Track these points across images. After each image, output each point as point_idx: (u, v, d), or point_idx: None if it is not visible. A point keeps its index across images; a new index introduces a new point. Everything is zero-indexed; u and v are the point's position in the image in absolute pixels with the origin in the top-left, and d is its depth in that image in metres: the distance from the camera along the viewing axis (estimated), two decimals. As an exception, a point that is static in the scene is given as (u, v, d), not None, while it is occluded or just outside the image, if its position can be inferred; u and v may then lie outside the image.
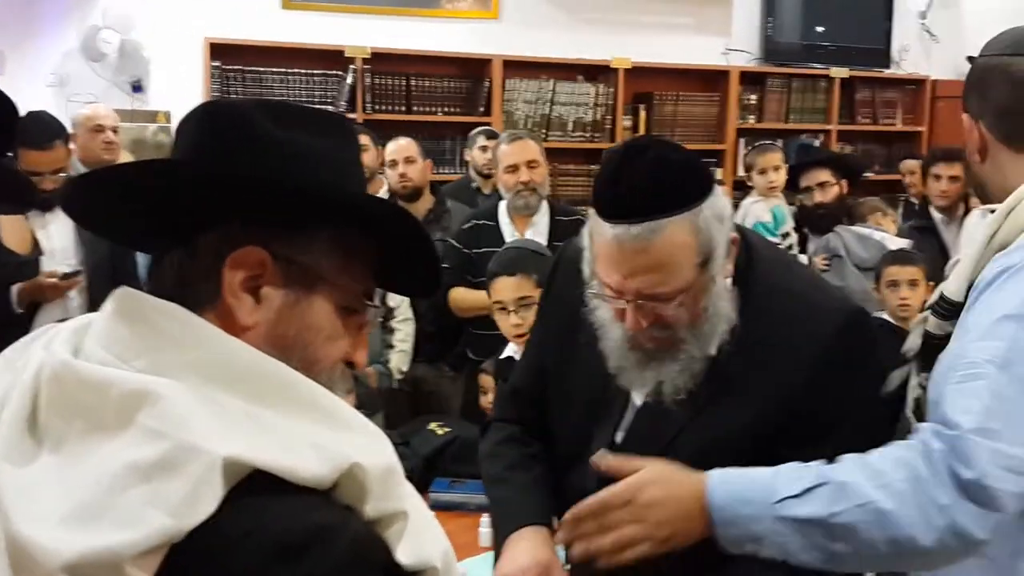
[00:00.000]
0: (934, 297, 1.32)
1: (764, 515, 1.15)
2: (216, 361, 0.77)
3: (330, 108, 4.87)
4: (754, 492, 1.17)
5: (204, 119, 0.85)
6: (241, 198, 0.81)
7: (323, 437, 0.76)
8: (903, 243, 3.78)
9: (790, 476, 1.17)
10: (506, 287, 2.57)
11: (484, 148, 4.20)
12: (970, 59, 1.33)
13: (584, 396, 1.48)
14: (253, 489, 0.71)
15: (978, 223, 1.28)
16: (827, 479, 1.14)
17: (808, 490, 1.14)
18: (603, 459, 1.29)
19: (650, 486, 1.21)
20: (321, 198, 0.83)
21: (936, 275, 3.21)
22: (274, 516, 0.71)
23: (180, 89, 4.57)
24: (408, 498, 0.82)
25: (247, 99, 0.96)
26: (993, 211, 1.26)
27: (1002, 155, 1.26)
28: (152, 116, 4.68)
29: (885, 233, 3.91)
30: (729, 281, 1.32)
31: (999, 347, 1.09)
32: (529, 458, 1.59)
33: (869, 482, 1.11)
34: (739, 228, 1.38)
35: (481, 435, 1.74)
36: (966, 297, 1.22)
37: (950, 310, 1.24)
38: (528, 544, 1.43)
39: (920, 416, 1.29)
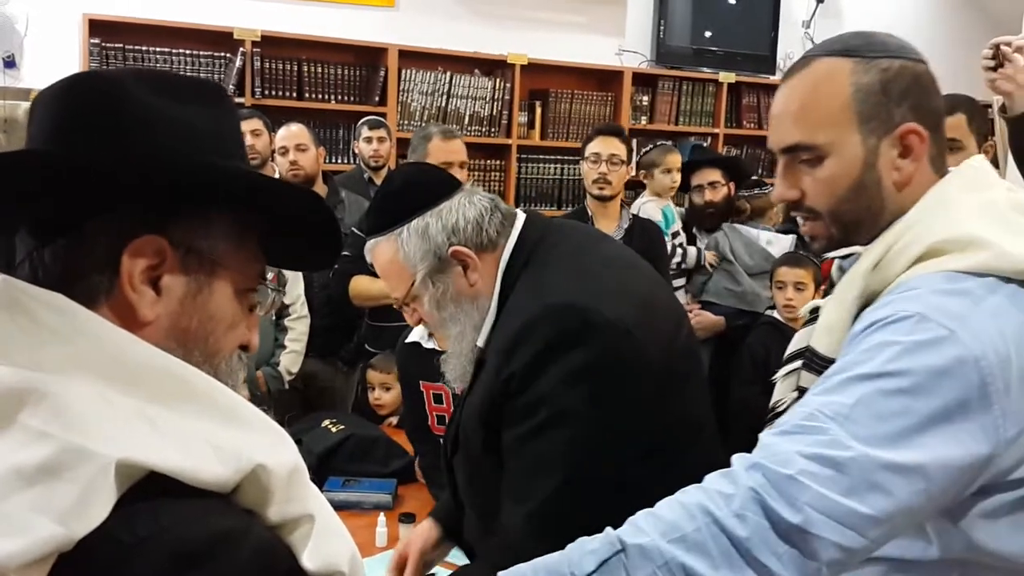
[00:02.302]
0: (795, 346, 1.28)
1: None
2: (106, 356, 0.71)
3: (218, 92, 4.71)
4: None
5: (68, 96, 0.78)
6: (115, 186, 0.75)
7: (223, 437, 0.72)
8: (787, 245, 3.93)
9: (581, 552, 1.05)
10: None
11: (369, 139, 4.09)
12: None
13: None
14: (149, 493, 0.67)
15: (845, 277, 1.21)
16: (622, 544, 1.03)
17: (604, 563, 1.03)
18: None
19: None
20: (210, 179, 0.79)
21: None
22: (172, 522, 0.66)
23: (56, 67, 4.32)
24: (313, 499, 0.78)
25: (120, 70, 0.86)
26: (846, 257, 1.22)
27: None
28: (25, 94, 4.42)
29: (773, 235, 4.05)
30: (487, 281, 1.52)
31: (844, 404, 1.02)
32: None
33: (664, 538, 1.01)
34: (549, 223, 1.59)
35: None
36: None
37: (823, 366, 1.18)
38: (416, 530, 1.80)
39: None
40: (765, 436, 1.06)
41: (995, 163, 2.88)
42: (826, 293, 1.30)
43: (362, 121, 4.24)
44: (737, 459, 1.06)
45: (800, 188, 1.21)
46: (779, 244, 3.97)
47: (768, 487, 1.00)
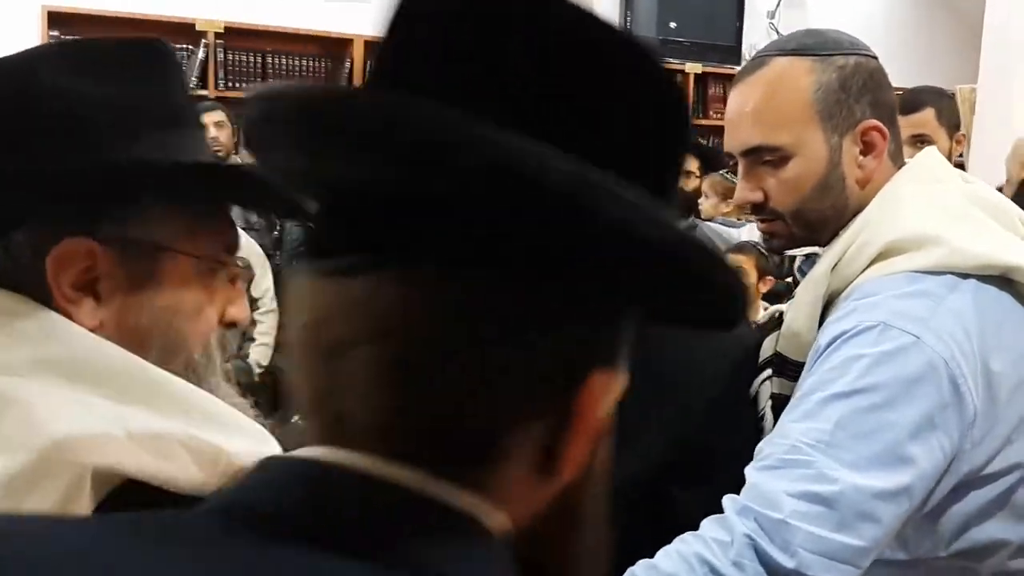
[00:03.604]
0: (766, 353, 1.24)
1: None
2: (77, 359, 0.68)
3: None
4: None
5: None
6: (25, 195, 0.70)
7: (201, 439, 0.69)
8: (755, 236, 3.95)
9: None
10: None
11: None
12: None
13: None
14: (127, 500, 0.65)
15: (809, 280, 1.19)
16: None
17: None
18: None
19: None
20: (128, 175, 0.74)
21: (772, 269, 3.36)
22: None
23: (13, 58, 4.22)
24: None
25: (38, 49, 0.79)
26: (811, 255, 1.20)
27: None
28: (-20, 86, 4.33)
29: (743, 228, 4.06)
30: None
31: (824, 430, 1.01)
32: None
33: None
34: None
35: None
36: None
37: (794, 371, 1.18)
38: None
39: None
40: (752, 473, 1.04)
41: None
42: (786, 294, 1.28)
43: None
44: (728, 502, 1.04)
45: (763, 190, 1.18)
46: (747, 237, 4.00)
47: (761, 532, 0.99)
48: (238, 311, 0.82)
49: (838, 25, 1.32)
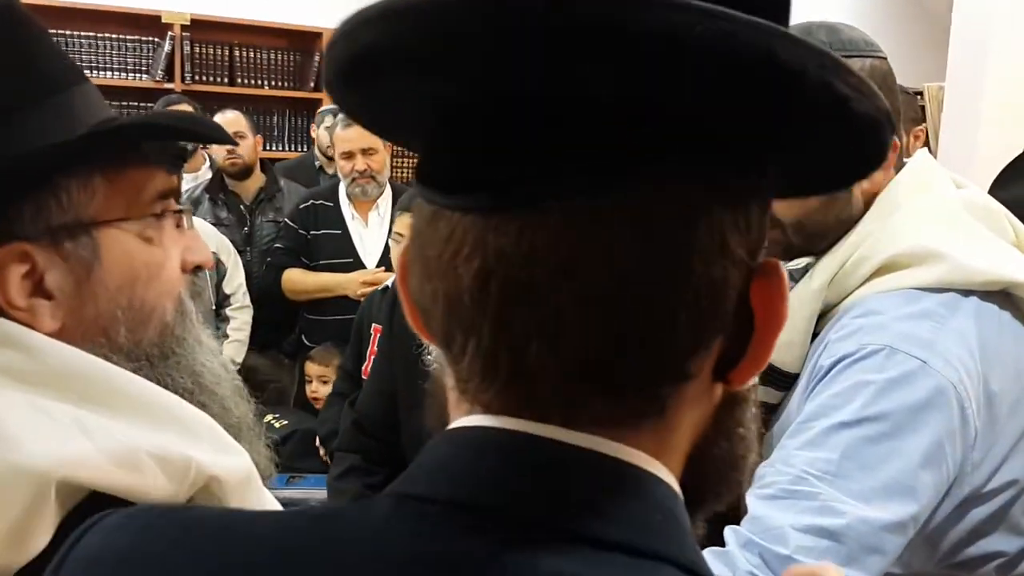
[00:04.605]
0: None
1: None
2: (38, 365, 0.65)
3: (144, 77, 4.57)
4: None
5: None
6: None
7: (170, 448, 0.66)
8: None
9: None
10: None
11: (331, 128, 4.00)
12: None
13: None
14: (93, 513, 0.61)
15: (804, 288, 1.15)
16: None
17: None
18: None
19: None
20: (23, 170, 0.68)
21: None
22: None
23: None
24: (269, 505, 0.75)
25: None
26: (806, 265, 1.17)
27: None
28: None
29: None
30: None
31: (831, 460, 0.98)
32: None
33: None
34: None
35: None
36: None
37: (784, 381, 1.15)
38: None
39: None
40: (753, 502, 1.01)
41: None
42: None
43: (327, 108, 4.09)
44: (731, 535, 1.01)
45: None
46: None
47: (765, 568, 0.96)
48: (198, 253, 0.78)
49: (807, 21, 1.26)
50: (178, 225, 0.76)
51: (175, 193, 0.76)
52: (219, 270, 3.17)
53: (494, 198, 0.41)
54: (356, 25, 0.43)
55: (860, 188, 1.13)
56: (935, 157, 2.88)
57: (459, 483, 0.43)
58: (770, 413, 1.18)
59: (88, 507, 0.62)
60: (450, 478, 0.43)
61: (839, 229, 1.13)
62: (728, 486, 0.51)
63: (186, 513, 0.49)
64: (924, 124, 3.09)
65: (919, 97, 4.47)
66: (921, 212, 1.12)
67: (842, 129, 0.42)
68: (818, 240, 1.14)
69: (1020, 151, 2.56)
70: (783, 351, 1.15)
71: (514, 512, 0.41)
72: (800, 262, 1.18)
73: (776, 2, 0.43)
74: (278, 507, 0.76)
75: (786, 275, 0.45)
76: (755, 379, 0.48)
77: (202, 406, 0.73)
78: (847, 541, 0.96)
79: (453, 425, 0.45)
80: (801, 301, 1.13)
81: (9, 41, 0.71)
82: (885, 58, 1.15)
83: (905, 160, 1.19)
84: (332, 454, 2.32)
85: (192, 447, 0.68)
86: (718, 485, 0.50)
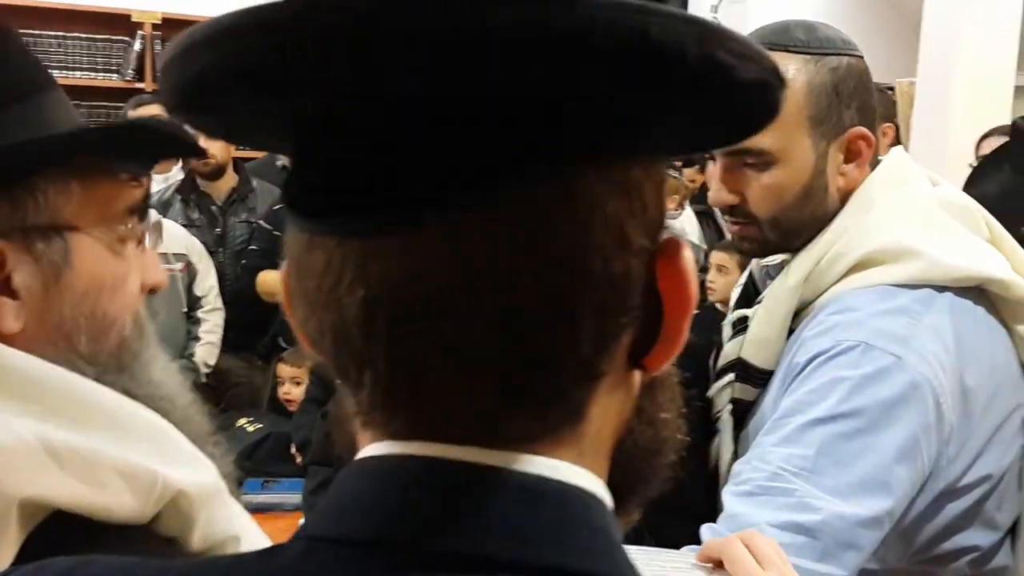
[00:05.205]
0: (726, 359, 1.20)
1: None
2: None
3: (115, 76, 4.52)
4: None
5: None
6: None
7: (135, 463, 0.65)
8: (694, 233, 3.99)
9: None
10: None
11: None
12: None
13: None
14: (58, 534, 0.60)
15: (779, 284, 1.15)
16: None
17: None
18: None
19: None
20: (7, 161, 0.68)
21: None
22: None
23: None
24: (237, 518, 0.73)
25: None
26: (782, 262, 1.16)
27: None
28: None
29: (679, 217, 4.10)
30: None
31: (806, 456, 0.98)
32: None
33: None
34: None
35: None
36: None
37: (760, 378, 1.15)
38: None
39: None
40: (729, 499, 1.01)
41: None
42: (753, 298, 1.23)
43: None
44: (707, 532, 1.00)
45: (741, 192, 1.12)
46: (693, 231, 4.02)
47: None
48: (155, 275, 0.77)
49: (779, 18, 1.25)
50: (139, 243, 0.76)
51: (142, 211, 0.76)
52: (190, 272, 3.13)
53: (368, 220, 0.38)
54: (188, 47, 0.39)
55: (836, 185, 1.12)
56: (908, 151, 2.91)
57: (370, 518, 0.40)
58: (746, 410, 1.18)
59: (53, 526, 0.61)
60: (362, 513, 0.41)
61: (815, 226, 1.12)
62: (655, 471, 0.49)
63: (100, 565, 0.47)
64: (895, 120, 3.11)
65: (891, 92, 4.51)
66: (896, 209, 1.12)
67: (731, 95, 0.41)
68: (794, 237, 1.13)
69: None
70: (758, 348, 1.15)
71: (429, 544, 0.39)
72: (776, 258, 1.17)
73: None
74: (247, 519, 0.75)
75: (689, 249, 0.43)
76: (672, 361, 0.45)
77: None
78: (823, 537, 0.96)
79: (361, 455, 0.43)
80: (777, 299, 1.13)
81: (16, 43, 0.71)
82: (861, 56, 1.14)
83: (880, 157, 1.19)
84: (307, 467, 2.31)
85: (158, 461, 0.66)
86: (646, 473, 0.49)
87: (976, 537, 1.09)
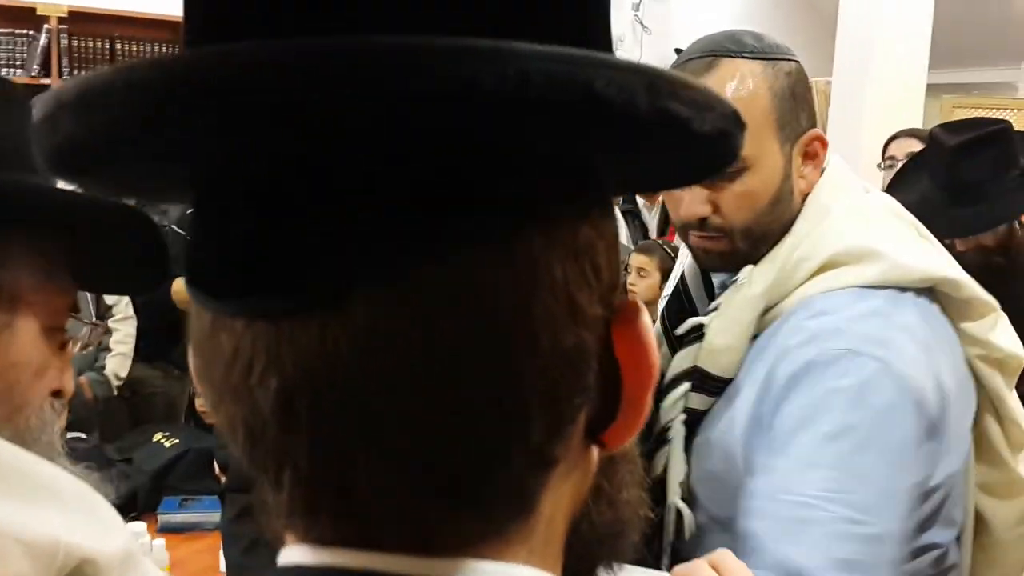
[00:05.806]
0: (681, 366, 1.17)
1: None
2: None
3: (19, 72, 4.33)
4: None
5: None
6: None
7: (37, 529, 0.60)
8: (621, 233, 4.02)
9: None
10: None
11: None
12: (677, 51, 1.23)
13: None
14: None
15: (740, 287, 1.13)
16: None
17: None
18: None
19: None
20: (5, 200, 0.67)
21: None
22: None
23: None
24: None
25: None
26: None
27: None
28: None
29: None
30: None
31: (829, 477, 0.97)
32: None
33: None
34: None
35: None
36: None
37: (717, 386, 1.13)
38: None
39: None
40: (767, 544, 0.97)
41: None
42: (686, 306, 1.22)
43: None
44: None
45: (714, 203, 1.09)
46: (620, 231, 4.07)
47: None
48: (67, 382, 0.76)
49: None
50: (62, 347, 0.76)
51: (78, 311, 0.78)
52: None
53: (279, 301, 0.33)
54: (54, 110, 0.33)
55: (799, 188, 1.13)
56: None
57: None
58: (697, 420, 1.15)
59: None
60: None
61: (780, 232, 1.12)
62: (616, 554, 0.45)
63: None
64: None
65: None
66: (851, 212, 1.13)
67: (688, 147, 0.38)
68: (762, 245, 1.12)
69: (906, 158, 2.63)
70: (716, 357, 1.13)
71: None
72: (744, 271, 1.15)
73: (587, 26, 0.38)
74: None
75: (647, 315, 0.40)
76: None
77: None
78: (883, 553, 0.97)
79: (282, 561, 0.38)
80: (739, 307, 1.12)
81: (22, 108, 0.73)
82: (799, 61, 1.16)
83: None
84: (223, 494, 2.22)
85: (64, 526, 0.62)
86: (606, 557, 0.45)
87: (938, 535, 1.10)
